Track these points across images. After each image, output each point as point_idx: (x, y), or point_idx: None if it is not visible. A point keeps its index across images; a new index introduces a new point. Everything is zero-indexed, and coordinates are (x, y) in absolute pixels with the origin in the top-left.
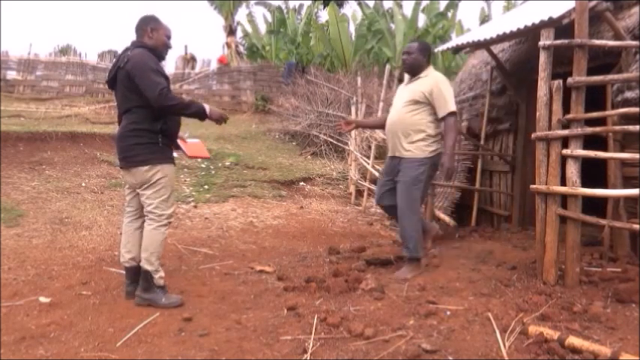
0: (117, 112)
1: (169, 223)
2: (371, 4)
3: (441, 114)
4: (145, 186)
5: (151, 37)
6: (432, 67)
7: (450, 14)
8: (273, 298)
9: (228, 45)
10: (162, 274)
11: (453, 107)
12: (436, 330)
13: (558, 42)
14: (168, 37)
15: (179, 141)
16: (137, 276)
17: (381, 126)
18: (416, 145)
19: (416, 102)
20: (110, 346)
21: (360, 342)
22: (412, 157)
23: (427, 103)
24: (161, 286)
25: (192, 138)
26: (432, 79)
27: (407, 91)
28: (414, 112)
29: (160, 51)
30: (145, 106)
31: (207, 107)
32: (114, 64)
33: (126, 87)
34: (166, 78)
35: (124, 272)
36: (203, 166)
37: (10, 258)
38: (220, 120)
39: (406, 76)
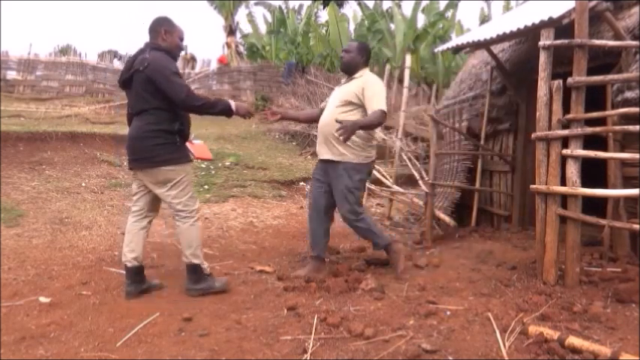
0: (126, 112)
1: (198, 217)
2: (371, 4)
3: (370, 111)
4: (169, 186)
5: (165, 40)
6: (367, 69)
7: (449, 14)
8: (273, 298)
9: (228, 45)
10: (206, 263)
11: (383, 106)
12: (436, 330)
13: (558, 42)
14: (181, 39)
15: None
16: (139, 276)
17: (311, 120)
18: (350, 149)
19: (349, 103)
20: (110, 346)
21: (360, 342)
22: (347, 162)
23: (360, 105)
24: (209, 274)
25: (196, 139)
26: (364, 79)
27: (340, 92)
28: (347, 114)
29: (174, 53)
30: (163, 108)
31: (232, 104)
32: (128, 65)
33: (144, 89)
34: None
35: (124, 272)
36: (203, 166)
37: (10, 258)
38: (247, 115)
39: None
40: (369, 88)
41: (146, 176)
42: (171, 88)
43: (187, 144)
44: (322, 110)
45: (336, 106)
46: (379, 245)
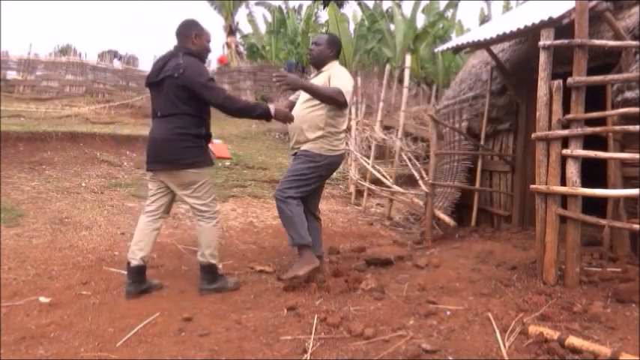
0: (151, 113)
1: (218, 218)
2: (371, 4)
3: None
4: (193, 188)
5: (195, 44)
6: (337, 63)
7: (449, 14)
8: (273, 298)
9: (228, 45)
10: (220, 264)
11: (344, 89)
12: (436, 330)
13: (558, 42)
14: (209, 42)
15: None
16: (141, 276)
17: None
18: (314, 142)
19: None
20: (110, 346)
21: (360, 342)
22: (307, 150)
23: None
24: (223, 274)
25: (216, 139)
26: (331, 71)
27: None
28: (314, 108)
29: (203, 56)
30: (192, 113)
31: (272, 108)
32: (158, 68)
33: (175, 95)
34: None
35: (124, 272)
36: None
37: (10, 258)
38: (286, 120)
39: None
40: (335, 76)
41: (170, 178)
42: (210, 94)
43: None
44: (291, 102)
45: (303, 101)
46: (293, 241)
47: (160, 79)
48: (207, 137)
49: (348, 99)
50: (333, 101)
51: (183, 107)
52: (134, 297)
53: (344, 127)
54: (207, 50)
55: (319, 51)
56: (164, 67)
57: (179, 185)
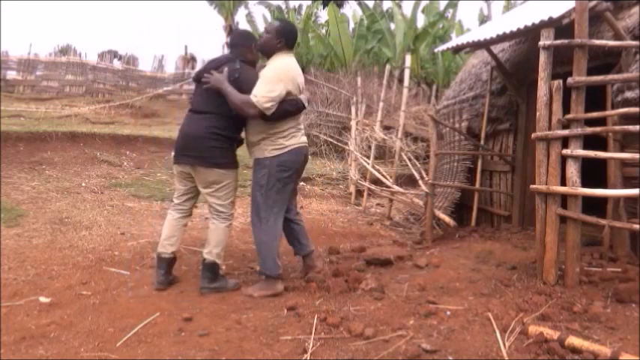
0: (191, 105)
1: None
2: (371, 4)
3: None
4: (216, 187)
5: (253, 55)
6: (284, 55)
7: (449, 14)
8: (273, 298)
9: (228, 45)
10: (223, 265)
11: (259, 93)
12: (436, 330)
13: (558, 42)
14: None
15: None
16: (171, 267)
17: None
18: (258, 146)
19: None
20: (110, 346)
21: (360, 342)
22: (256, 159)
23: None
24: (224, 275)
25: None
26: (270, 64)
27: None
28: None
29: (255, 66)
30: (231, 116)
31: (304, 98)
32: (213, 67)
33: (220, 94)
34: None
35: (124, 272)
36: None
37: (10, 258)
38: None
39: None
40: (262, 75)
41: (197, 174)
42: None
43: None
44: None
45: None
46: (261, 268)
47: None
48: (239, 141)
49: (266, 105)
50: (242, 112)
51: (224, 108)
52: (164, 287)
53: (292, 121)
54: (256, 61)
55: (265, 40)
56: (219, 68)
57: (203, 182)
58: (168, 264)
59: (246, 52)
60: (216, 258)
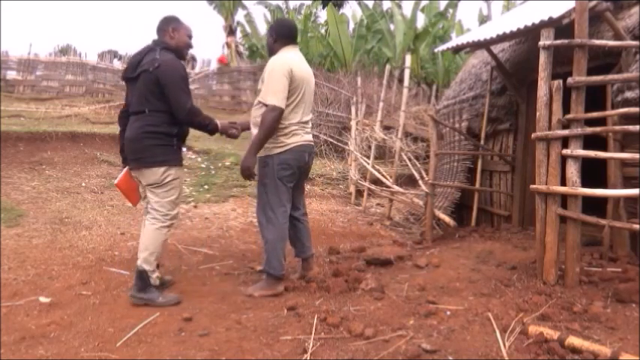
0: (121, 110)
1: (172, 224)
2: (371, 4)
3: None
4: (156, 185)
5: (173, 37)
6: (284, 50)
7: (449, 14)
8: (273, 298)
9: (228, 45)
10: (158, 273)
11: (271, 99)
12: (436, 330)
13: (558, 42)
14: (190, 37)
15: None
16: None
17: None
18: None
19: (259, 92)
20: (110, 346)
21: (360, 342)
22: (259, 157)
23: None
24: (156, 286)
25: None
26: (268, 65)
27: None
28: (256, 107)
29: (181, 51)
30: (165, 110)
31: (219, 123)
32: (135, 63)
33: (149, 90)
34: (188, 82)
35: (124, 272)
36: (203, 166)
37: (10, 258)
38: (230, 134)
39: None
40: (267, 74)
41: (141, 176)
42: (177, 98)
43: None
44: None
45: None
46: (264, 266)
47: (136, 75)
48: (180, 136)
49: (276, 102)
50: (274, 123)
51: (156, 104)
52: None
53: (286, 118)
54: (188, 45)
55: (266, 41)
56: (141, 62)
57: (146, 183)
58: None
59: (164, 35)
60: (143, 263)
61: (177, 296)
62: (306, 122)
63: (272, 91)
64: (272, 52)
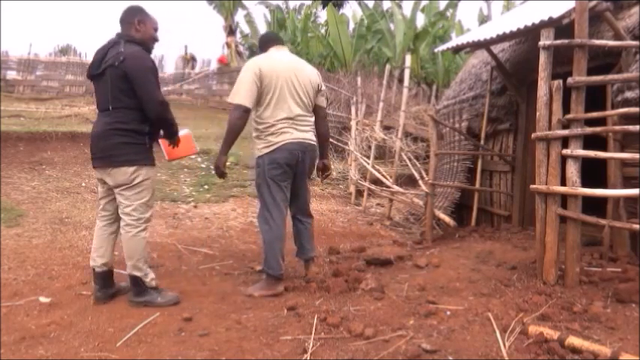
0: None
1: (147, 227)
2: (371, 4)
3: None
4: (126, 187)
5: (139, 30)
6: (262, 55)
7: (449, 14)
8: (273, 298)
9: (228, 45)
10: (152, 275)
11: (232, 98)
12: (436, 330)
13: (558, 42)
14: (156, 30)
15: (161, 141)
16: (107, 281)
17: None
18: (255, 144)
19: None
20: (110, 346)
21: (360, 342)
22: (255, 158)
23: None
24: (154, 287)
25: (182, 129)
26: None
27: None
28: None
29: (148, 44)
30: (134, 107)
31: (181, 132)
32: (100, 58)
33: (116, 86)
34: (157, 76)
35: (124, 272)
36: (203, 166)
37: (10, 258)
38: (177, 143)
39: None
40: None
41: (108, 176)
42: (147, 92)
43: (161, 143)
44: None
45: None
46: (263, 265)
47: (101, 71)
48: (152, 134)
49: (238, 100)
50: (238, 121)
51: (124, 100)
52: (103, 302)
53: (271, 116)
54: (154, 39)
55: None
56: (105, 57)
57: (113, 182)
58: (102, 278)
59: (130, 28)
60: (134, 270)
61: (177, 295)
62: (298, 117)
63: (235, 90)
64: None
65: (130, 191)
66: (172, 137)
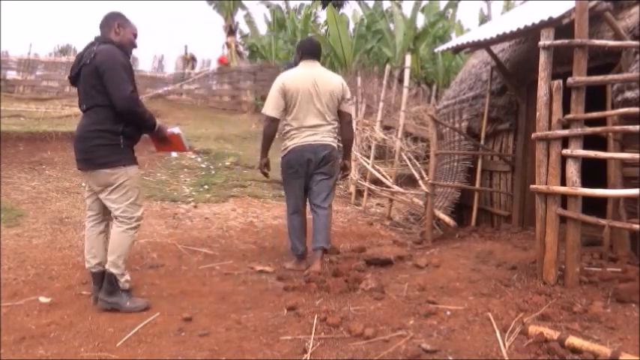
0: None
1: (139, 225)
2: (371, 4)
3: None
4: (110, 189)
5: (118, 34)
6: (301, 65)
7: (449, 14)
8: (273, 298)
9: (228, 45)
10: (127, 277)
11: (264, 109)
12: (436, 330)
13: (558, 42)
14: (135, 36)
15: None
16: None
17: None
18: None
19: None
20: (110, 346)
21: (360, 342)
22: None
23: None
24: (126, 290)
25: (174, 127)
26: None
27: None
28: None
29: (126, 48)
30: (106, 105)
31: (157, 124)
32: (77, 60)
33: (89, 84)
34: (132, 75)
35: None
36: (203, 166)
37: (10, 258)
38: (164, 137)
39: None
40: None
41: (90, 178)
42: (115, 83)
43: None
44: None
45: None
46: (289, 246)
47: (78, 72)
48: (127, 134)
49: (267, 112)
50: (266, 130)
51: (98, 98)
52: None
53: (294, 122)
54: (132, 43)
55: (294, 58)
56: (82, 59)
57: (96, 185)
58: (100, 278)
59: (109, 31)
60: (112, 267)
61: (146, 301)
62: (315, 126)
63: (266, 103)
64: (296, 65)
65: (115, 194)
66: (150, 130)
